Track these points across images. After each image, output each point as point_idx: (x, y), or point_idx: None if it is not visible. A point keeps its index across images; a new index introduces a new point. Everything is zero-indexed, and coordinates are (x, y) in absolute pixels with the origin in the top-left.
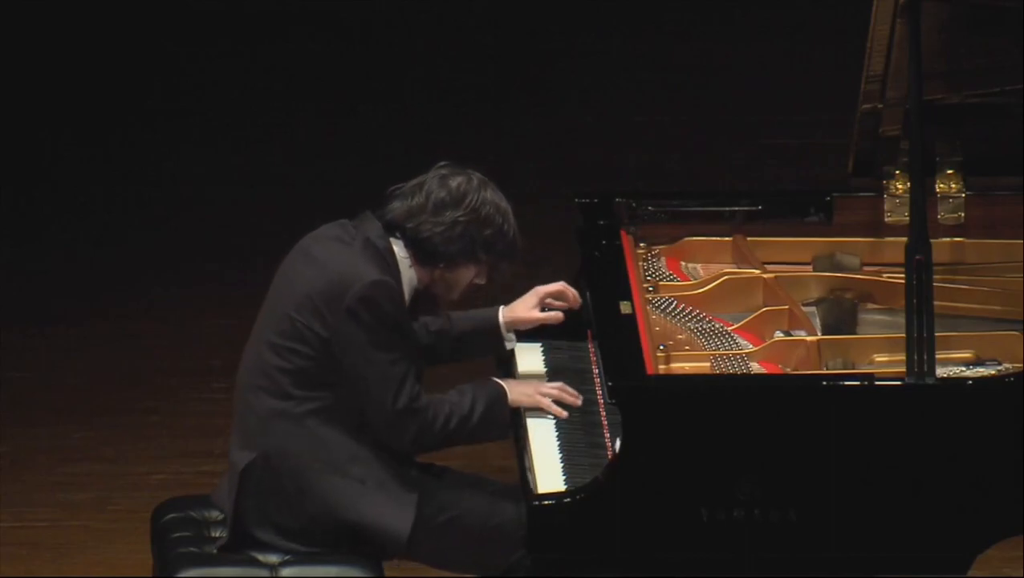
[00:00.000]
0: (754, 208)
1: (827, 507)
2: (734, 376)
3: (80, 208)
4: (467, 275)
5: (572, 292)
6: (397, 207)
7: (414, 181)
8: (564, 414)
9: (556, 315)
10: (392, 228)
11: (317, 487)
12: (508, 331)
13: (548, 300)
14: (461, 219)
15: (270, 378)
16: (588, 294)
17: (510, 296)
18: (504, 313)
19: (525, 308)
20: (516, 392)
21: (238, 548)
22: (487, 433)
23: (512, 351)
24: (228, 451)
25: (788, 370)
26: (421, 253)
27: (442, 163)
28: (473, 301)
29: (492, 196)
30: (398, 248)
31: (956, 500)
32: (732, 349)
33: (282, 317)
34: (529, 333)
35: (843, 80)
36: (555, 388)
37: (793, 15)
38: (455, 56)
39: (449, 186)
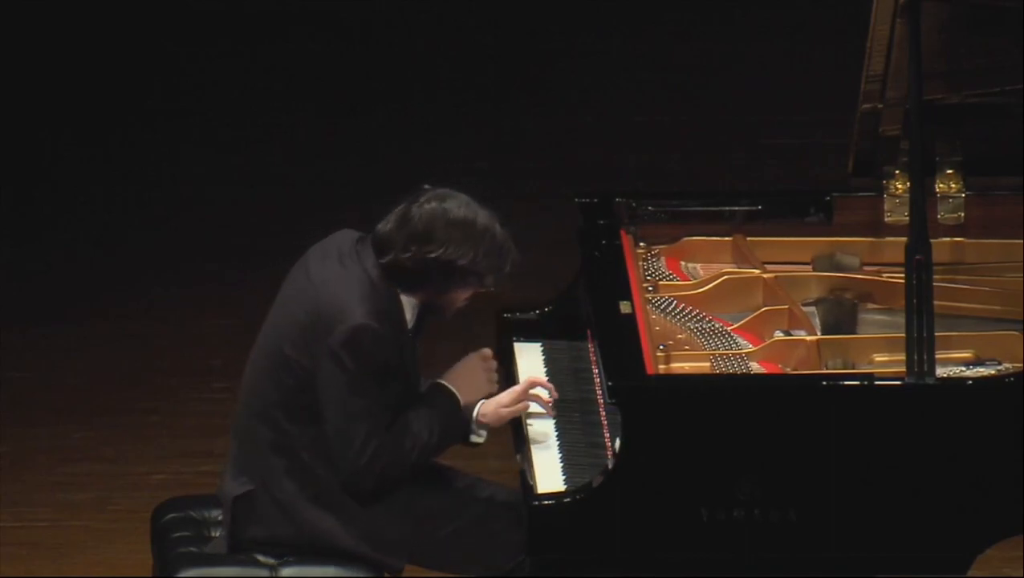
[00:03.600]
0: (754, 208)
1: (827, 507)
2: (734, 376)
3: (80, 208)
4: (458, 296)
5: (547, 390)
6: (379, 236)
7: (398, 208)
8: (526, 407)
9: (522, 405)
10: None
11: (310, 523)
12: (480, 427)
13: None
14: (431, 254)
15: (265, 409)
16: (588, 294)
17: (502, 291)
18: (480, 409)
19: (495, 409)
20: (471, 392)
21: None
22: (447, 447)
23: (512, 352)
24: (222, 474)
25: (788, 370)
26: (400, 283)
27: (425, 187)
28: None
29: (464, 226)
30: None
31: (956, 500)
32: (732, 349)
33: (275, 347)
34: (528, 333)
35: (843, 80)
36: (518, 397)
37: (793, 15)
38: (455, 56)
39: (422, 218)
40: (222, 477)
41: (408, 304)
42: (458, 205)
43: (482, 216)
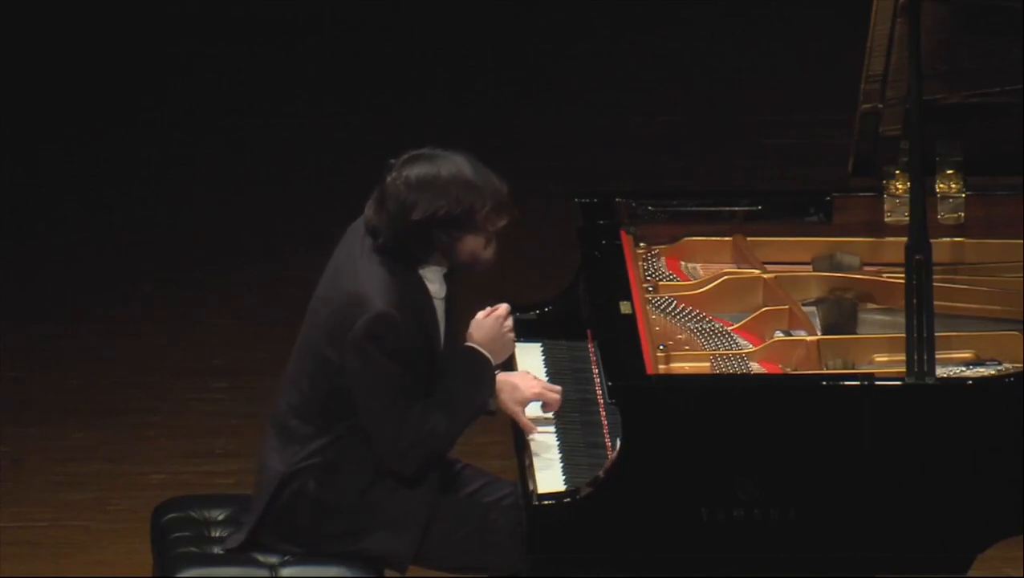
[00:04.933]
0: (754, 208)
1: (827, 507)
2: (734, 376)
3: (80, 208)
4: (472, 241)
5: (557, 399)
6: (366, 224)
7: (375, 192)
8: (533, 429)
9: (530, 426)
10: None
11: (328, 516)
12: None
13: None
14: (411, 219)
15: (301, 400)
16: (588, 294)
17: (503, 291)
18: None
19: (511, 397)
20: (497, 353)
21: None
22: (480, 414)
23: (511, 356)
24: (262, 451)
25: (788, 370)
26: (405, 258)
27: (391, 161)
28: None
29: (431, 184)
30: None
31: (956, 500)
32: (732, 349)
33: (312, 347)
34: (528, 333)
35: (843, 80)
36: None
37: (793, 15)
38: (455, 56)
39: (391, 194)
40: (260, 467)
41: (433, 276)
42: (420, 165)
43: (445, 166)
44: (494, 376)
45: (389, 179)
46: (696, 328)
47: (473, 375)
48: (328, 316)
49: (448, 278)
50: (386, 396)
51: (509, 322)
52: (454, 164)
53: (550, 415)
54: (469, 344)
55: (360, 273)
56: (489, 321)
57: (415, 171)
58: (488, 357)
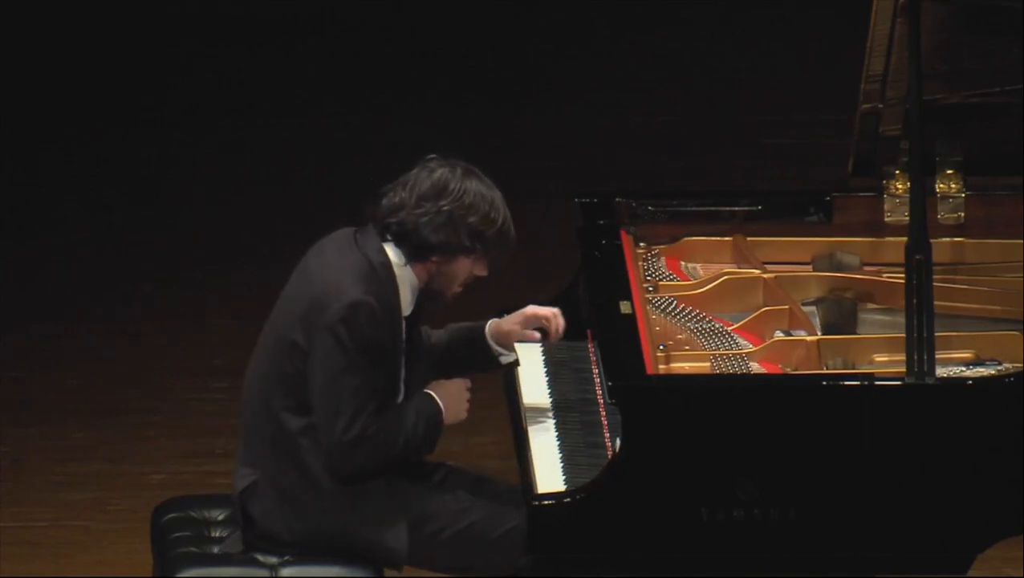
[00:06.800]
0: (754, 208)
1: (827, 507)
2: (734, 376)
3: (80, 208)
4: (464, 267)
5: (558, 324)
6: (384, 205)
7: (401, 178)
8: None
9: (533, 334)
10: (383, 229)
11: (311, 514)
12: (497, 344)
13: (538, 320)
14: (444, 208)
15: (269, 397)
16: (588, 294)
17: (503, 291)
18: (491, 325)
19: (510, 321)
20: (450, 413)
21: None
22: (424, 451)
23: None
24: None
25: (788, 370)
26: (410, 248)
27: (430, 156)
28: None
29: (477, 185)
30: (394, 254)
31: (956, 500)
32: (732, 349)
33: (280, 336)
34: None
35: (843, 80)
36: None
37: (793, 15)
38: (456, 56)
39: (432, 178)
40: (233, 476)
41: (408, 287)
42: (467, 170)
43: (494, 192)
44: (443, 428)
45: (442, 171)
46: (696, 328)
47: (427, 414)
48: (302, 306)
49: (417, 302)
50: (347, 385)
51: (468, 394)
52: (499, 194)
53: (550, 413)
54: (428, 391)
55: (340, 267)
56: (452, 383)
57: (473, 178)
58: (443, 409)
